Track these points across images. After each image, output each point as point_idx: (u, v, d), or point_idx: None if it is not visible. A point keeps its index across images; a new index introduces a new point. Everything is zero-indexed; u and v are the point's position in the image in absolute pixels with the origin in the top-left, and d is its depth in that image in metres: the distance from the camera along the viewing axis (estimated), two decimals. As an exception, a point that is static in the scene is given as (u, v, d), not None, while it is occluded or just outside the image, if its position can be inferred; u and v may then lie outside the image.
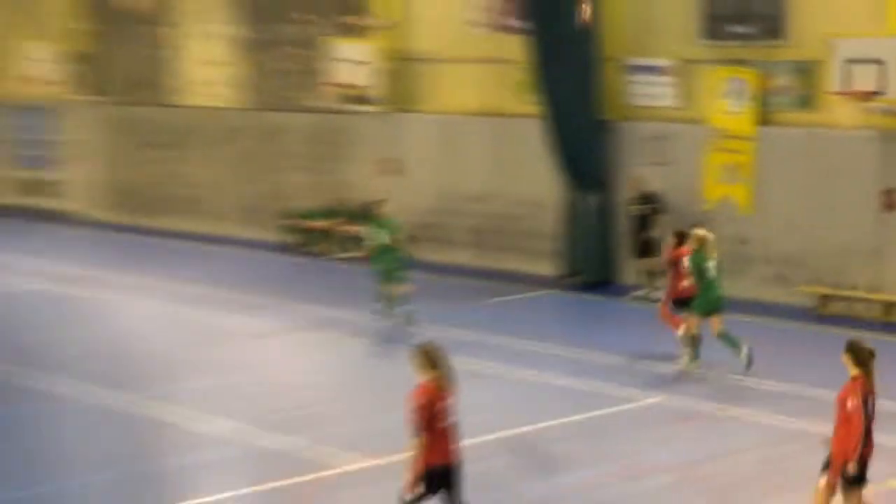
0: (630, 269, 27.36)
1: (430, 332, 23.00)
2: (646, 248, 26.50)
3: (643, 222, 26.60)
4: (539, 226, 28.95)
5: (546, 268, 28.46)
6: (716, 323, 20.46)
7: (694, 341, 20.61)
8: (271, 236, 33.59)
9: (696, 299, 20.48)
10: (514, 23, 28.67)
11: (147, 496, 15.55)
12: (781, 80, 25.54)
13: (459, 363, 20.79)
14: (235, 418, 18.56)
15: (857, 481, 12.65)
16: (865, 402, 12.56)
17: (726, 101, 25.97)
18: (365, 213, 26.19)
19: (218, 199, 35.59)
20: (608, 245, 27.72)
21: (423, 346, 12.97)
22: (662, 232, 25.58)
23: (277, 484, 15.74)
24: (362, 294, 24.46)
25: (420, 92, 31.36)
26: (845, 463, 12.55)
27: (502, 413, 18.71)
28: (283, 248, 32.86)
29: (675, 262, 21.13)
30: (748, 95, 25.71)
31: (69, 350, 23.04)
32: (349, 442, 17.07)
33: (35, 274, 29.95)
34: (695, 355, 20.64)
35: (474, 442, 17.15)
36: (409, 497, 12.65)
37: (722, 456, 16.69)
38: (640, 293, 26.38)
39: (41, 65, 38.90)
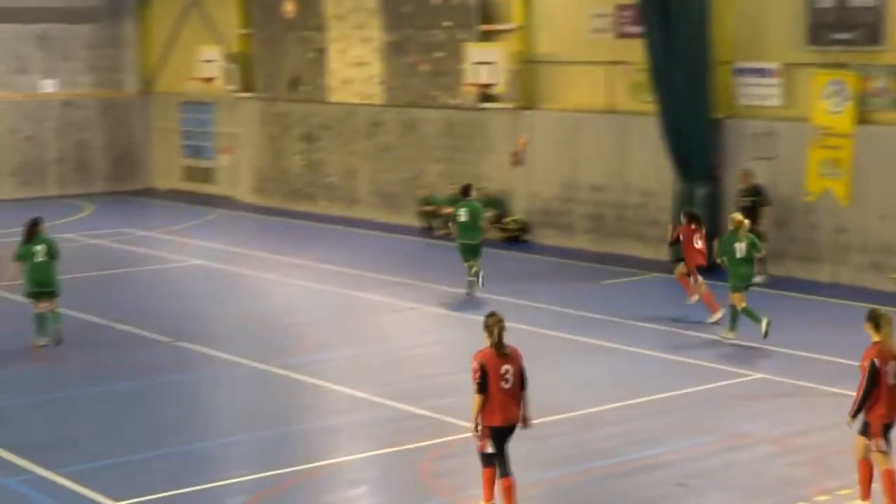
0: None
1: (548, 311, 22.95)
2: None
3: (750, 213, 25.87)
4: (652, 214, 28.49)
5: (657, 253, 27.92)
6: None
7: (751, 313, 20.60)
8: (409, 221, 33.39)
9: (730, 279, 20.92)
10: (633, 28, 28.21)
11: (289, 454, 15.42)
12: (879, 83, 24.86)
13: (571, 339, 20.80)
14: (367, 386, 18.43)
15: (862, 433, 12.92)
16: (883, 367, 12.59)
17: (828, 102, 25.35)
18: (456, 197, 26.44)
19: (360, 187, 35.48)
20: (715, 233, 27.02)
21: (488, 315, 12.83)
22: (768, 222, 25.52)
23: (401, 448, 15.57)
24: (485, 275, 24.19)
25: (545, 91, 30.92)
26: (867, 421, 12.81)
27: (609, 386, 18.34)
28: (419, 232, 32.62)
29: (689, 238, 22.46)
30: (848, 96, 25.05)
31: (226, 321, 23.08)
32: (466, 411, 16.62)
33: (196, 252, 30.04)
34: (762, 321, 20.42)
35: (584, 413, 16.90)
36: (488, 450, 12.67)
37: (821, 429, 16.16)
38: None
39: (212, 66, 39.17)
